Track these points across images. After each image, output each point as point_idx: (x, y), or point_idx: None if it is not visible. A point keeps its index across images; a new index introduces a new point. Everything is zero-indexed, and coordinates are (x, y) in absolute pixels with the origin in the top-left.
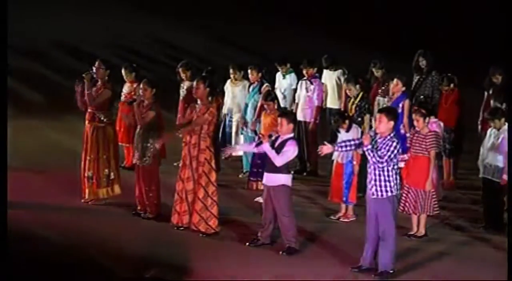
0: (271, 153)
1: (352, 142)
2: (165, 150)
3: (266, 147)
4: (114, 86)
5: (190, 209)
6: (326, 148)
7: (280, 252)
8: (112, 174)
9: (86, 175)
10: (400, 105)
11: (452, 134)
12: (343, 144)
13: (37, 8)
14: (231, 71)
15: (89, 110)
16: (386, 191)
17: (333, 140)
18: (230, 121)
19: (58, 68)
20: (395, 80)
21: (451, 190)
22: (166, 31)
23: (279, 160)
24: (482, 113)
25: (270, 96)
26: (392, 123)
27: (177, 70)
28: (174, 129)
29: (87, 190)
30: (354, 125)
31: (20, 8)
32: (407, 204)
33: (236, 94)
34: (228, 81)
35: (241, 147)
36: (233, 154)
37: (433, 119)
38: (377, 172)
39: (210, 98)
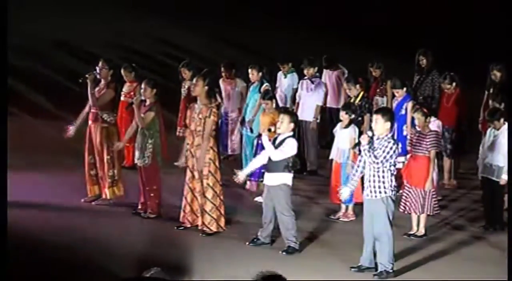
0: (269, 146)
1: (360, 164)
2: (167, 150)
3: (264, 139)
4: (117, 86)
5: (193, 209)
6: (345, 192)
7: (280, 252)
8: (116, 174)
9: (98, 174)
10: (404, 106)
11: (453, 134)
12: (355, 172)
13: (37, 8)
14: (222, 69)
15: (92, 110)
16: (380, 192)
17: (332, 140)
18: (226, 120)
19: (58, 68)
20: (394, 90)
21: (452, 189)
22: (167, 31)
23: (275, 155)
24: (482, 113)
25: (268, 94)
26: (388, 124)
27: (178, 70)
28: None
29: (106, 190)
30: (352, 124)
31: (20, 8)
32: (407, 203)
33: (229, 93)
34: (220, 79)
35: (250, 168)
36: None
37: (432, 118)
38: (372, 173)
39: (209, 98)
